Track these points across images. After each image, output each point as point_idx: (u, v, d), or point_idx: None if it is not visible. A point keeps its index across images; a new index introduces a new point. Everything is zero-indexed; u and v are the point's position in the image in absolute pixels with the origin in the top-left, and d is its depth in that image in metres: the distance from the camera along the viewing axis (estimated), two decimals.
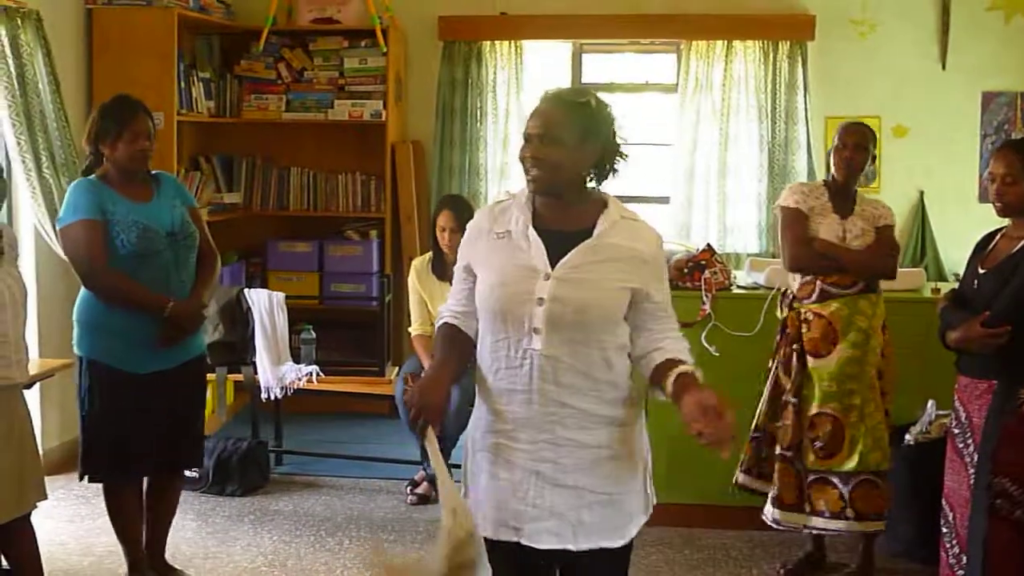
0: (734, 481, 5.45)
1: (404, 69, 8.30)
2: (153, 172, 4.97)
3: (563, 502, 3.19)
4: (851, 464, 5.14)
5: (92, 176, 4.85)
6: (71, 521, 5.95)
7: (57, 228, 4.95)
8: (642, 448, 3.33)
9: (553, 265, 3.14)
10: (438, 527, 3.11)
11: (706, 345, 5.73)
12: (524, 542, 3.21)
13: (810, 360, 5.19)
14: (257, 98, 8.10)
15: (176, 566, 5.21)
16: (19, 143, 6.10)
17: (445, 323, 3.35)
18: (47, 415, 6.56)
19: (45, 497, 4.54)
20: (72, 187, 4.84)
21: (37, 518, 4.56)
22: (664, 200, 8.31)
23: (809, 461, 5.21)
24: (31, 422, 4.51)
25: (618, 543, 3.26)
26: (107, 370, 4.77)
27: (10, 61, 5.97)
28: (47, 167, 6.23)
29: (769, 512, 5.29)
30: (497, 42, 8.18)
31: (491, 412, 3.24)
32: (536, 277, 3.13)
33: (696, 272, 5.85)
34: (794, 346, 5.23)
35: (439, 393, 3.18)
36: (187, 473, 6.32)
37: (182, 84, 7.34)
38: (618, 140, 3.25)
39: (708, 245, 6.14)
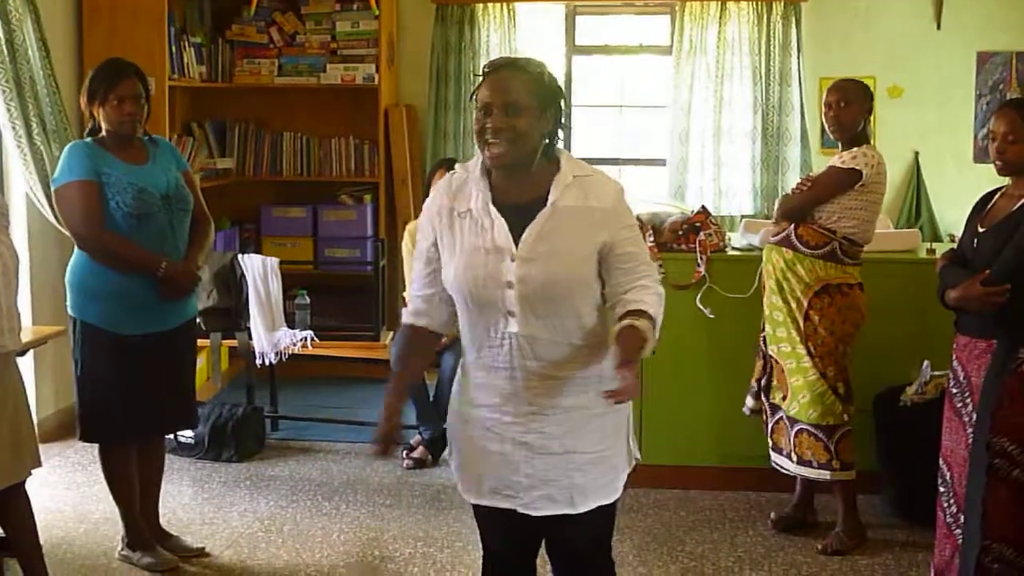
0: (744, 406, 5.53)
1: (396, 32, 8.26)
2: (150, 136, 4.94)
3: (555, 469, 3.22)
4: (792, 410, 5.24)
5: (88, 139, 4.82)
6: (67, 488, 5.95)
7: (52, 189, 4.92)
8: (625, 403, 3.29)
9: (517, 243, 3.10)
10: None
11: (701, 307, 5.74)
12: (521, 510, 3.25)
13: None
14: (249, 62, 8.06)
15: (172, 532, 5.21)
16: (9, 110, 6.05)
17: (407, 325, 3.35)
18: (41, 383, 6.55)
19: (40, 464, 4.52)
20: (67, 149, 4.82)
21: (33, 485, 4.55)
22: (659, 162, 8.30)
23: (773, 398, 5.37)
24: (24, 390, 4.49)
25: (612, 499, 3.31)
26: (101, 332, 4.76)
27: None
28: (38, 133, 6.19)
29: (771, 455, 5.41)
30: (490, 4, 8.15)
31: (476, 386, 3.27)
32: (503, 257, 3.10)
33: (691, 234, 5.84)
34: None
35: (392, 425, 3.23)
36: (182, 439, 6.37)
37: (173, 49, 7.28)
38: (562, 108, 3.21)
39: (703, 207, 6.12)
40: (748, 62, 7.97)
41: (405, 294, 6.58)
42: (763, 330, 5.37)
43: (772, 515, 5.51)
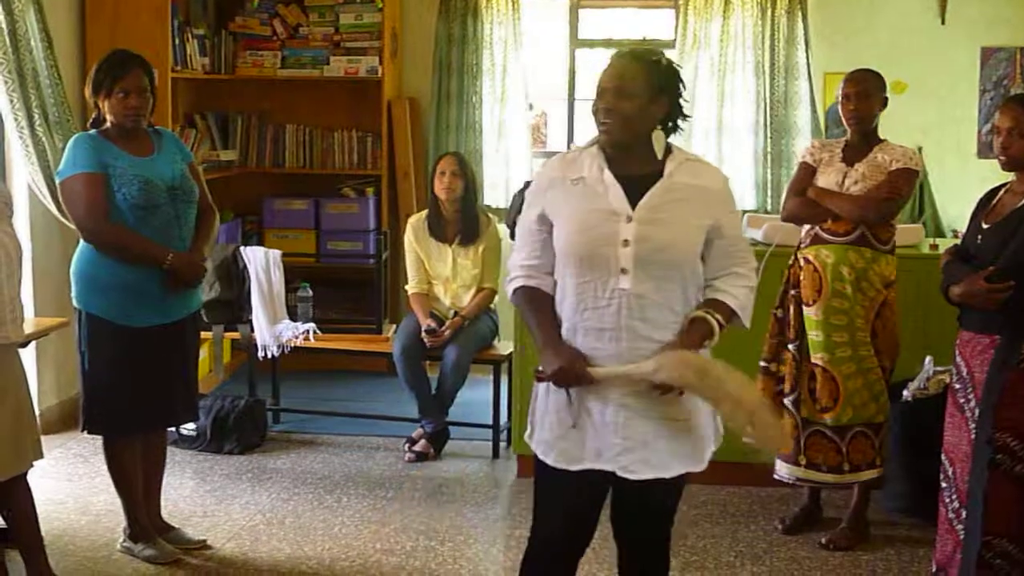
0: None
1: (400, 25, 8.25)
2: (155, 128, 4.94)
3: (653, 432, 3.34)
4: (846, 417, 5.15)
5: (93, 130, 4.82)
6: (69, 480, 5.95)
7: (57, 181, 4.93)
8: None
9: (632, 207, 3.28)
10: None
11: None
12: (620, 473, 3.37)
13: (804, 308, 5.21)
14: (252, 55, 8.06)
15: (174, 524, 5.21)
16: (11, 100, 6.04)
17: (523, 287, 3.46)
18: (44, 374, 6.55)
19: (41, 456, 4.53)
20: (73, 141, 4.82)
21: (34, 477, 4.56)
22: None
23: (804, 412, 5.22)
24: (27, 381, 4.50)
25: (699, 467, 3.47)
26: (106, 324, 4.76)
27: (1, 17, 5.91)
28: (40, 124, 6.18)
29: (776, 466, 5.31)
30: None
31: (580, 347, 3.36)
32: (619, 219, 3.28)
33: None
34: (791, 292, 5.26)
35: (580, 362, 3.31)
36: (184, 431, 6.37)
37: (176, 41, 7.28)
38: (683, 99, 3.40)
39: None
40: (752, 56, 7.96)
41: (407, 287, 6.60)
42: (791, 340, 5.25)
43: (782, 522, 5.44)
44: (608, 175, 3.34)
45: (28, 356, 5.33)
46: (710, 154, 8.03)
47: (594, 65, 8.58)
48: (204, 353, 6.81)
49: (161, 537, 5.06)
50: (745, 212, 7.30)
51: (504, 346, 6.60)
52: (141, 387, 4.82)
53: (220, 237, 7.33)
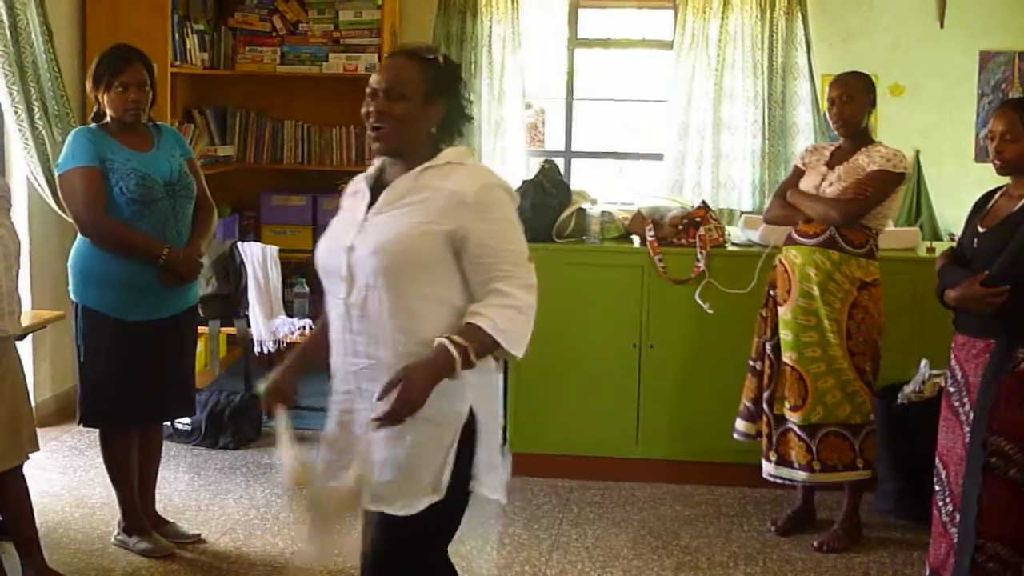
0: (734, 430, 5.47)
1: (399, 22, 8.25)
2: (155, 122, 4.95)
3: (361, 456, 3.14)
4: (815, 416, 5.19)
5: (92, 124, 4.83)
6: (64, 473, 5.95)
7: (56, 174, 4.94)
8: (455, 418, 3.08)
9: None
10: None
11: (700, 302, 5.74)
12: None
13: (778, 308, 5.27)
14: (251, 50, 8.05)
15: (168, 518, 5.22)
16: (11, 93, 6.05)
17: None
18: (39, 367, 6.55)
19: (38, 448, 4.54)
20: (72, 134, 4.83)
21: (30, 469, 4.57)
22: (657, 156, 8.29)
23: (777, 409, 5.30)
24: (23, 373, 4.50)
25: (401, 512, 3.08)
26: (102, 318, 4.77)
27: (2, 11, 5.91)
28: (39, 118, 6.19)
29: (763, 466, 5.34)
30: None
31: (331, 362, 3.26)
32: (353, 227, 3.12)
33: (691, 229, 5.84)
34: (771, 292, 5.32)
35: (287, 377, 3.32)
36: (179, 425, 6.38)
37: (176, 36, 7.28)
38: (464, 101, 3.18)
39: (703, 202, 6.15)
40: (750, 56, 7.96)
41: None
42: (767, 339, 5.32)
43: (775, 523, 5.45)
44: (364, 186, 3.17)
45: (25, 349, 5.34)
46: (707, 154, 8.05)
47: (593, 64, 8.61)
48: (200, 347, 6.81)
49: (156, 531, 5.07)
50: (743, 213, 7.33)
51: None
52: (137, 381, 4.83)
53: (218, 232, 7.30)
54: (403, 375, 2.90)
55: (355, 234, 3.08)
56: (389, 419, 2.91)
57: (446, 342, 2.92)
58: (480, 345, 2.93)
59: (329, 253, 3.16)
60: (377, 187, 3.15)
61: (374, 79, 3.08)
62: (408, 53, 3.12)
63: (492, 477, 3.21)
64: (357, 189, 3.21)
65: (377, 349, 3.06)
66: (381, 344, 3.05)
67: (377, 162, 3.20)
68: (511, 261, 3.04)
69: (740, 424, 5.45)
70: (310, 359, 3.40)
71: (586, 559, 5.10)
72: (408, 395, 2.89)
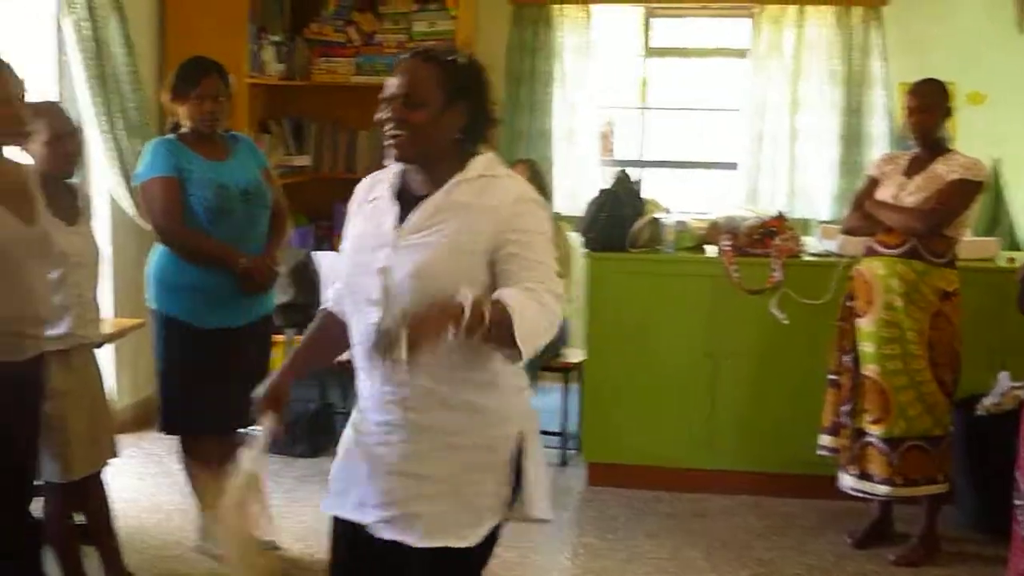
0: (818, 446, 5.42)
1: (473, 33, 8.26)
2: (231, 132, 5.01)
3: (402, 490, 2.94)
4: (898, 430, 5.14)
5: (171, 135, 4.89)
6: (141, 479, 6.03)
7: (134, 184, 5.01)
8: (505, 442, 2.98)
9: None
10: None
11: (776, 312, 5.69)
12: (369, 530, 2.99)
13: (857, 320, 5.22)
14: (326, 61, 8.11)
15: None
16: (93, 104, 6.15)
17: (322, 310, 3.25)
18: (120, 374, 6.64)
19: (117, 454, 4.60)
20: (150, 145, 4.90)
21: (109, 475, 4.63)
22: (731, 166, 8.25)
23: (858, 423, 5.25)
24: (103, 381, 4.57)
25: (462, 543, 2.92)
26: (180, 325, 4.82)
27: (86, 24, 6.01)
28: (120, 129, 6.28)
29: (840, 478, 5.30)
30: (567, 5, 8.12)
31: (357, 388, 3.08)
32: (383, 245, 2.91)
33: (766, 239, 5.81)
34: (849, 303, 5.27)
35: (280, 385, 3.22)
36: (255, 433, 6.41)
37: (253, 47, 7.36)
38: (490, 102, 2.99)
39: (779, 212, 6.11)
40: (826, 65, 7.90)
41: None
42: (847, 351, 5.27)
43: (851, 536, 5.42)
44: (390, 196, 2.97)
45: (106, 356, 5.41)
46: (781, 163, 7.98)
47: (666, 73, 8.58)
48: (276, 356, 6.87)
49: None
50: (819, 223, 7.27)
51: (574, 353, 6.59)
52: (215, 389, 4.87)
53: (293, 242, 7.39)
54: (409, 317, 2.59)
55: (388, 254, 2.89)
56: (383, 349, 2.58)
57: (463, 299, 2.59)
58: (495, 316, 2.57)
59: (357, 271, 2.97)
60: (403, 198, 2.96)
61: (390, 83, 2.90)
62: (426, 55, 2.92)
63: (540, 493, 3.06)
64: (376, 196, 3.03)
65: (417, 376, 2.84)
66: (422, 371, 2.81)
67: (394, 164, 3.01)
68: (540, 271, 2.82)
69: (825, 439, 5.38)
70: (307, 365, 3.33)
71: (661, 570, 5.09)
72: (417, 330, 2.55)
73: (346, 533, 3.07)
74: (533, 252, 2.85)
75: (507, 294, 2.67)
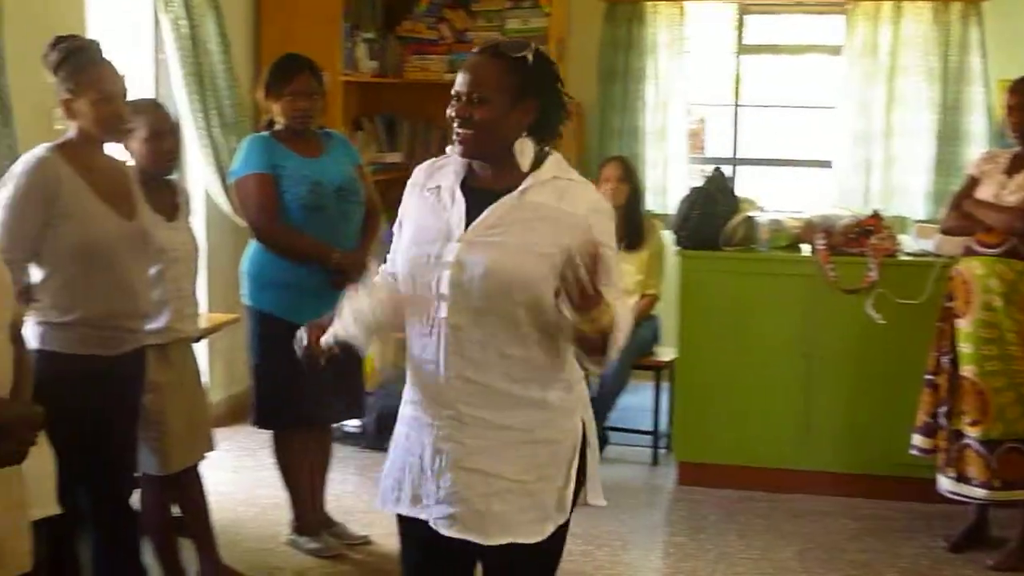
0: (911, 446, 5.34)
1: (566, 30, 8.26)
2: (324, 129, 5.04)
3: (469, 488, 2.89)
4: (996, 432, 5.05)
5: (265, 132, 4.94)
6: (236, 472, 6.10)
7: (229, 182, 5.07)
8: (572, 434, 2.98)
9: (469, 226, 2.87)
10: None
11: (872, 313, 5.63)
12: (433, 525, 2.95)
13: (956, 321, 5.15)
14: (419, 58, 8.14)
15: (337, 519, 5.30)
16: (190, 102, 6.23)
17: (383, 275, 3.14)
18: (213, 368, 6.72)
19: (214, 448, 4.66)
20: (245, 142, 4.95)
21: (203, 468, 4.68)
22: (825, 164, 8.16)
23: (955, 424, 5.16)
24: (200, 374, 4.63)
25: (532, 539, 2.90)
26: (275, 321, 4.86)
27: (182, 22, 6.09)
28: (216, 125, 6.36)
29: (939, 481, 5.22)
30: (660, 2, 8.09)
31: (410, 381, 3.02)
32: (450, 238, 2.86)
33: (862, 238, 5.75)
34: (948, 304, 5.20)
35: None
36: (348, 428, 6.47)
37: (346, 45, 7.40)
38: (561, 99, 2.93)
39: (875, 211, 6.03)
40: (923, 62, 7.78)
41: None
42: (945, 352, 5.20)
43: (947, 539, 5.34)
44: (457, 189, 2.92)
45: (200, 351, 5.47)
46: (876, 161, 7.88)
47: (760, 70, 8.51)
48: (370, 351, 6.91)
49: (325, 531, 5.16)
50: (916, 222, 7.17)
51: (666, 352, 6.56)
52: (309, 383, 4.89)
53: (385, 238, 7.42)
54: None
55: (458, 249, 2.84)
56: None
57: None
58: (610, 321, 2.67)
59: (421, 262, 2.90)
60: (468, 192, 2.92)
61: (457, 80, 2.87)
62: (492, 51, 2.87)
63: (597, 479, 3.09)
64: (438, 185, 2.96)
65: (485, 374, 2.86)
66: (490, 369, 2.85)
67: (456, 155, 2.96)
68: (613, 282, 2.83)
69: (917, 439, 5.31)
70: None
71: (753, 571, 5.05)
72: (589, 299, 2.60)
73: (412, 530, 3.06)
74: (606, 264, 2.80)
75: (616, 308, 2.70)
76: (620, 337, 2.73)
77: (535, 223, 2.83)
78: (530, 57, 2.86)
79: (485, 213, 2.86)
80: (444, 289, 2.84)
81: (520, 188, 2.86)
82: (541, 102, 2.88)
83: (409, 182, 3.05)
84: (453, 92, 2.87)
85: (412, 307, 2.93)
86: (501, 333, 2.84)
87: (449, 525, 2.92)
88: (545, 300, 2.80)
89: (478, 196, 2.89)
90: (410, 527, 3.04)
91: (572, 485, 2.96)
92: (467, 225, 2.86)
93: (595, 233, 2.80)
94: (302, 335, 3.17)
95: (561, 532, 2.98)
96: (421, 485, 2.96)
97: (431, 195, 2.96)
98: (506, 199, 2.86)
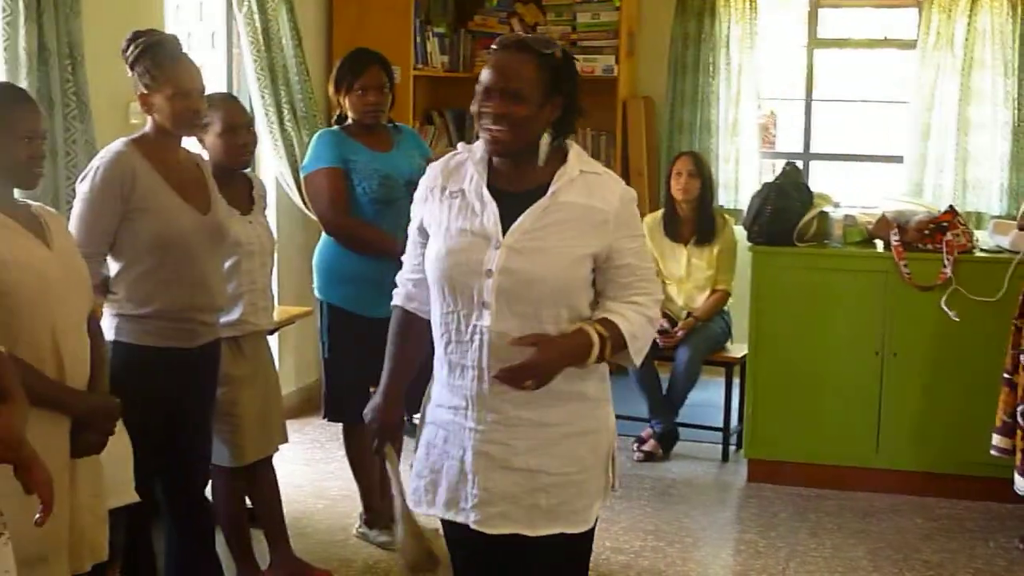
0: (991, 446, 5.27)
1: (637, 24, 8.23)
2: (394, 123, 5.05)
3: (516, 485, 2.94)
4: None
5: (335, 127, 4.96)
6: (306, 464, 6.13)
7: (301, 176, 5.09)
8: (607, 422, 3.07)
9: (505, 231, 2.86)
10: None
11: (946, 309, 5.56)
12: (474, 526, 2.98)
13: None
14: (489, 53, 8.12)
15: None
16: (263, 96, 6.27)
17: (399, 308, 3.16)
18: (284, 361, 6.74)
19: (286, 440, 4.69)
20: (316, 136, 4.98)
21: (274, 460, 4.71)
22: (897, 159, 8.06)
23: None
24: (274, 367, 4.66)
25: (580, 528, 2.99)
26: (345, 314, 4.89)
27: (256, 16, 6.13)
28: (288, 120, 6.40)
29: (1016, 481, 5.14)
30: None
31: (445, 385, 3.03)
32: (487, 245, 2.85)
33: (937, 234, 5.67)
34: None
35: (394, 413, 3.16)
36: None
37: (417, 39, 7.42)
38: (579, 96, 2.94)
39: (951, 206, 5.95)
40: (1000, 55, 7.66)
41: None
42: (1022, 350, 5.10)
43: (1023, 540, 5.27)
44: (486, 192, 2.89)
45: (270, 343, 5.50)
46: (949, 156, 7.77)
47: (831, 65, 8.44)
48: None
49: (395, 524, 5.16)
50: (992, 218, 7.08)
51: (737, 348, 6.52)
52: (379, 377, 4.91)
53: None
54: (539, 343, 2.79)
55: (499, 256, 2.84)
56: (508, 379, 2.78)
57: (590, 330, 2.85)
58: (614, 343, 2.87)
59: (459, 271, 2.89)
60: (497, 194, 2.91)
61: (488, 76, 2.85)
62: (525, 47, 2.86)
63: (617, 469, 3.14)
64: (460, 189, 2.95)
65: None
66: None
67: (476, 151, 2.96)
68: (648, 278, 3.00)
69: (997, 439, 5.23)
70: (405, 382, 3.26)
71: (824, 569, 5.00)
72: (537, 365, 2.78)
73: (454, 531, 3.10)
74: (641, 259, 2.98)
75: (620, 316, 2.90)
76: (640, 345, 2.96)
77: (569, 224, 2.87)
78: (558, 54, 2.88)
79: (522, 218, 2.86)
80: (488, 297, 2.85)
81: (551, 190, 2.88)
82: (565, 100, 2.90)
83: (424, 185, 3.05)
84: (481, 88, 2.86)
85: (444, 316, 2.96)
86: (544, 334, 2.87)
87: (494, 524, 2.97)
88: (578, 296, 2.91)
89: (506, 198, 2.90)
90: (452, 528, 3.09)
91: (610, 472, 3.06)
92: (504, 230, 2.87)
93: (628, 225, 2.94)
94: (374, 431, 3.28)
95: (596, 518, 3.07)
96: (459, 488, 2.99)
97: (454, 199, 2.95)
98: (540, 202, 2.87)
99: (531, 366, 2.78)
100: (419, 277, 3.06)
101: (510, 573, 3.09)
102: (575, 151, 2.96)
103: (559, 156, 2.93)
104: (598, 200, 2.89)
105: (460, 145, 3.05)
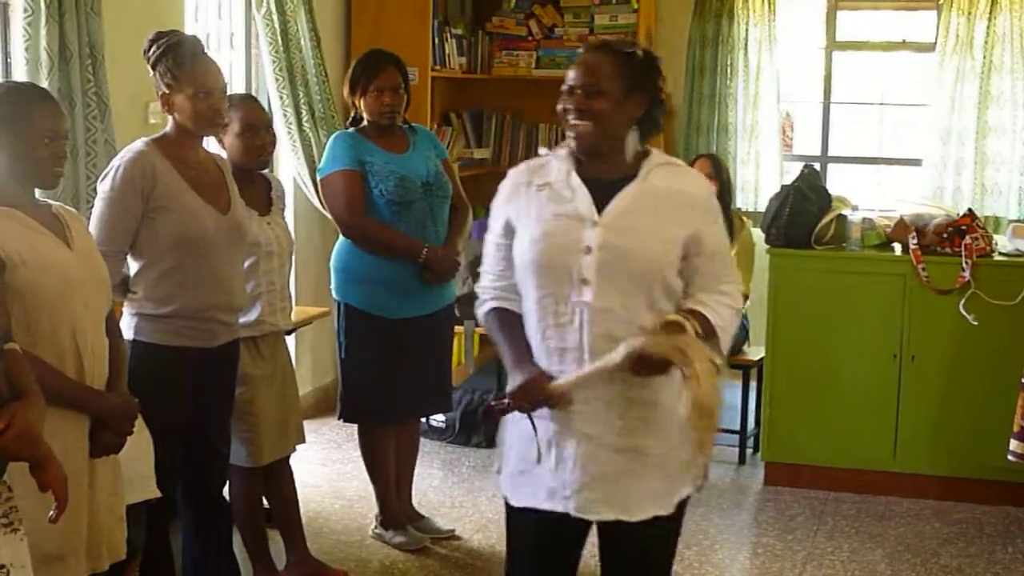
0: (1008, 451, 5.25)
1: (655, 25, 8.21)
2: (410, 124, 5.05)
3: (615, 466, 2.98)
4: None
5: (351, 128, 4.96)
6: (323, 465, 6.13)
7: (318, 178, 5.10)
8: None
9: (599, 212, 2.96)
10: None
11: (964, 313, 5.55)
12: (574, 514, 3.01)
13: None
14: (507, 54, 8.14)
15: (423, 513, 5.32)
16: (281, 97, 6.27)
17: (493, 309, 3.15)
18: (301, 361, 6.75)
19: (303, 440, 4.70)
20: (332, 138, 4.98)
21: (291, 461, 4.72)
22: (915, 162, 8.04)
23: None
24: (292, 367, 4.66)
25: (667, 510, 3.04)
26: (363, 316, 4.90)
27: (275, 17, 6.14)
28: (307, 120, 6.41)
29: None
30: None
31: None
32: (583, 225, 2.95)
33: (956, 237, 5.65)
34: None
35: (542, 379, 2.95)
36: (434, 422, 6.49)
37: (436, 40, 7.42)
38: (663, 95, 3.05)
39: (969, 210, 5.94)
40: (1020, 58, 7.63)
41: None
42: None
43: None
44: (575, 178, 3.00)
45: (287, 343, 5.52)
46: (968, 160, 7.74)
47: (850, 67, 8.42)
48: (455, 347, 6.93)
49: (411, 525, 5.17)
50: (1011, 221, 7.05)
51: (754, 351, 6.51)
52: (396, 378, 4.93)
53: (472, 233, 7.44)
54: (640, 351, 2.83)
55: (597, 234, 2.94)
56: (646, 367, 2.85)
57: (686, 322, 2.89)
58: (705, 334, 2.92)
59: (556, 251, 2.96)
60: (587, 182, 2.99)
61: (570, 75, 2.99)
62: (605, 47, 3.02)
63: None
64: (548, 182, 3.03)
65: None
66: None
67: (560, 152, 3.07)
68: (731, 266, 3.14)
69: (1014, 444, 5.20)
70: (530, 356, 3.07)
71: (841, 573, 4.99)
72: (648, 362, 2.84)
73: (529, 524, 3.11)
74: (721, 245, 3.09)
75: (710, 308, 2.96)
76: (727, 337, 3.02)
77: (660, 206, 2.98)
78: (639, 53, 2.99)
79: (617, 198, 2.97)
80: (588, 274, 2.93)
81: (641, 174, 2.99)
82: (647, 98, 2.99)
83: (509, 184, 3.12)
84: (565, 87, 2.99)
85: (540, 301, 2.99)
86: (642, 311, 2.94)
87: (597, 510, 3.01)
88: (670, 276, 2.98)
89: (595, 185, 2.99)
90: (523, 515, 3.11)
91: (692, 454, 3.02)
92: (598, 211, 2.96)
93: (713, 211, 3.07)
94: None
95: (684, 503, 3.11)
96: (559, 475, 3.01)
97: (542, 191, 3.04)
98: (631, 186, 2.98)
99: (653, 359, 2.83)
100: (505, 283, 3.11)
101: (605, 561, 3.17)
102: (654, 149, 3.09)
103: (641, 152, 3.04)
104: (685, 185, 3.03)
105: (542, 150, 3.16)
